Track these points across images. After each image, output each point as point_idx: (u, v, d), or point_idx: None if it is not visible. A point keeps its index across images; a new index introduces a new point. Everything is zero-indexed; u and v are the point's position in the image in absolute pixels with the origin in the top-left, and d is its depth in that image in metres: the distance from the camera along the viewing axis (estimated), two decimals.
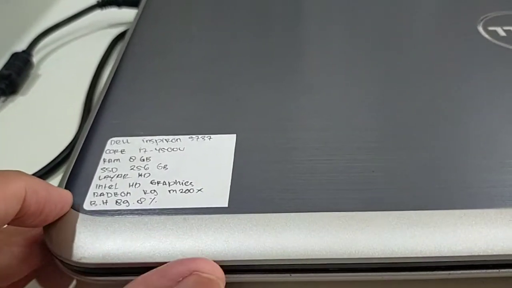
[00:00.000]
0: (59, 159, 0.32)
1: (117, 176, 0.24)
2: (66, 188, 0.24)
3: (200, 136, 0.26)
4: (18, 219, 0.20)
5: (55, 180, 0.32)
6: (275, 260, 0.21)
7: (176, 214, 0.22)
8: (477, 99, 0.28)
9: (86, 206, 0.23)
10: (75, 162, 0.25)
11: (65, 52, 0.44)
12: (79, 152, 0.26)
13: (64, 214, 0.23)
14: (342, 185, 0.24)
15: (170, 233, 0.22)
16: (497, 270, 0.22)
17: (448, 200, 0.23)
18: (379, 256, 0.21)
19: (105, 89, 0.31)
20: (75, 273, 0.22)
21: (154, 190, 0.24)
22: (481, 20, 0.35)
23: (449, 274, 0.22)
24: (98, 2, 0.46)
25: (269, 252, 0.21)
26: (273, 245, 0.21)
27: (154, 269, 0.20)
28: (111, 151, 0.26)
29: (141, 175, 0.24)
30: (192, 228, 0.22)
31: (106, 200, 0.23)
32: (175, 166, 0.25)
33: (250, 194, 0.23)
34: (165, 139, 0.26)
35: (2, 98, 0.38)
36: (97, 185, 0.24)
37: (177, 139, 0.26)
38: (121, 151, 0.26)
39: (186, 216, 0.22)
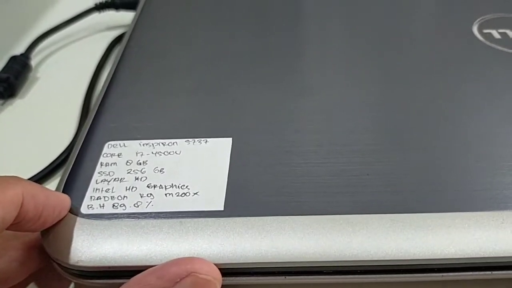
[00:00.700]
0: (57, 163, 0.33)
1: (114, 180, 0.25)
2: (63, 191, 0.24)
3: (196, 139, 0.26)
4: (17, 224, 0.20)
5: (53, 183, 0.32)
6: (270, 263, 0.21)
7: (172, 217, 0.23)
8: (472, 101, 0.28)
9: (83, 209, 0.23)
10: (73, 166, 0.26)
11: (63, 55, 0.44)
12: (77, 156, 0.26)
13: (62, 218, 0.23)
14: (337, 188, 0.24)
15: (167, 236, 0.22)
16: (490, 272, 0.22)
17: (442, 203, 0.23)
18: (373, 259, 0.21)
19: (102, 92, 0.31)
20: (73, 276, 0.22)
21: (151, 194, 0.24)
22: (476, 23, 0.35)
23: (442, 276, 0.22)
24: (96, 5, 0.46)
25: (264, 255, 0.21)
26: (268, 248, 0.22)
27: (150, 269, 0.21)
28: (108, 155, 0.26)
29: (137, 178, 0.25)
30: (188, 231, 0.22)
31: (103, 204, 0.23)
32: (171, 169, 0.25)
33: (245, 197, 0.23)
34: (162, 143, 0.26)
35: (1, 102, 0.39)
36: (94, 188, 0.24)
37: (173, 143, 0.26)
38: (118, 155, 0.26)
39: (182, 220, 0.22)
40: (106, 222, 0.23)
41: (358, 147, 0.26)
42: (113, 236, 0.22)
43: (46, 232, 0.23)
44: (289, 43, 0.34)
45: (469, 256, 0.21)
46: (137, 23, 0.38)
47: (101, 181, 0.25)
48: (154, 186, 0.24)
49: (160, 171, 0.25)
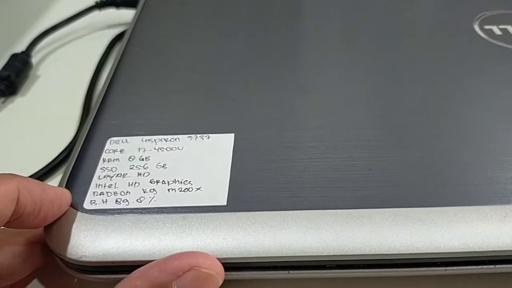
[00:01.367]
0: (58, 159, 0.33)
1: (117, 176, 0.25)
2: (66, 187, 0.24)
3: (198, 135, 0.27)
4: (17, 220, 0.21)
5: (55, 180, 0.32)
6: (273, 257, 0.21)
7: (175, 212, 0.23)
8: (473, 97, 0.29)
9: (86, 205, 0.23)
10: (75, 162, 0.26)
11: (64, 53, 0.44)
12: (79, 152, 0.26)
13: (64, 213, 0.23)
14: (339, 183, 0.24)
15: (170, 231, 0.22)
16: (493, 266, 0.22)
17: (444, 198, 0.23)
18: (376, 253, 0.21)
19: (104, 89, 0.31)
20: (76, 271, 0.23)
21: (154, 189, 0.24)
22: (477, 19, 0.35)
23: (446, 270, 0.22)
24: (96, 3, 0.46)
25: (267, 250, 0.21)
26: (271, 243, 0.22)
27: (153, 262, 0.21)
28: (111, 151, 0.26)
29: (140, 174, 0.25)
30: (191, 226, 0.22)
31: (106, 199, 0.23)
32: (174, 165, 0.25)
33: (248, 192, 0.24)
34: (164, 139, 0.26)
35: (2, 99, 0.39)
36: (97, 184, 0.24)
37: (176, 139, 0.26)
38: (121, 151, 0.26)
39: (185, 215, 0.23)
40: (109, 217, 0.23)
41: (360, 143, 0.26)
42: (116, 231, 0.22)
43: (49, 228, 0.23)
44: (289, 41, 0.34)
45: (472, 250, 0.21)
46: (137, 21, 0.38)
47: (104, 176, 0.25)
48: (157, 182, 0.24)
49: (163, 166, 0.25)
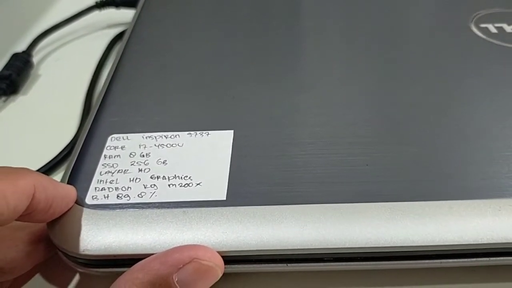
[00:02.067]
0: (60, 157, 0.33)
1: (118, 172, 0.25)
2: (68, 183, 0.24)
3: (198, 132, 0.27)
4: (28, 215, 0.21)
5: (57, 177, 0.32)
6: (272, 251, 0.22)
7: (175, 207, 0.23)
8: (469, 94, 0.29)
9: (88, 200, 0.24)
10: (77, 159, 0.26)
11: (64, 53, 0.45)
12: (80, 149, 0.27)
13: (68, 209, 0.23)
14: (337, 178, 0.24)
15: (170, 225, 0.22)
16: (488, 259, 0.23)
17: (440, 192, 0.23)
18: (372, 246, 0.22)
19: (104, 87, 0.31)
20: (79, 265, 0.23)
21: (154, 185, 0.24)
22: (473, 18, 0.35)
23: (441, 263, 0.23)
24: (96, 3, 0.46)
25: (266, 243, 0.22)
26: (270, 236, 0.22)
27: (153, 255, 0.21)
28: (112, 148, 0.26)
29: (141, 170, 0.25)
30: (191, 220, 0.23)
31: (108, 195, 0.24)
32: (174, 161, 0.25)
33: (247, 187, 0.24)
34: (164, 136, 0.27)
35: (3, 98, 0.39)
36: (98, 180, 0.25)
37: (176, 135, 0.27)
38: (122, 147, 0.26)
39: (185, 209, 0.23)
40: (111, 212, 0.23)
41: (357, 139, 0.26)
42: (118, 226, 0.22)
43: (52, 223, 0.23)
44: (288, 40, 0.35)
45: (467, 243, 0.22)
46: (137, 21, 0.38)
47: (105, 172, 0.25)
48: (158, 177, 0.24)
49: (163, 162, 0.25)
